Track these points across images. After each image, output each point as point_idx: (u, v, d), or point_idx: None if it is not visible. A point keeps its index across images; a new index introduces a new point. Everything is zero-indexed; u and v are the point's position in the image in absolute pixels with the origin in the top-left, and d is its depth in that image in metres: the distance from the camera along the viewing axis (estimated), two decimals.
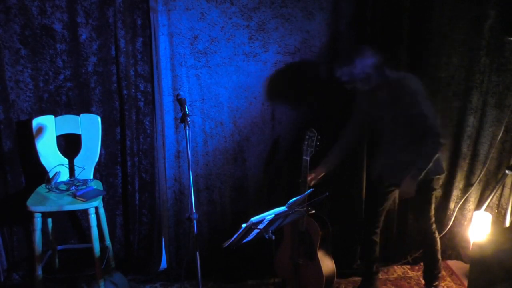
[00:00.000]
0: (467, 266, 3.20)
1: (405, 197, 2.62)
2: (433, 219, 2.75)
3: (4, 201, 2.86)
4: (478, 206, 3.23)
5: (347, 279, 3.10)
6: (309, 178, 2.72)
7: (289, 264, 2.85)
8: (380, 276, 3.08)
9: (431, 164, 2.47)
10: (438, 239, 2.80)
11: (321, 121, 2.92)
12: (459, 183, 3.23)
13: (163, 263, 3.17)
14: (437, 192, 3.08)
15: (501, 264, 2.17)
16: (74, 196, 2.60)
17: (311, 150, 2.66)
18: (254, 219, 2.04)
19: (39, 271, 2.64)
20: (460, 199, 3.26)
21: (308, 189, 2.55)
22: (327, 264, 2.78)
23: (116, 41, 2.74)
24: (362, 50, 2.46)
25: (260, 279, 3.10)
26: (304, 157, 2.67)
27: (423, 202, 2.70)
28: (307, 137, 2.67)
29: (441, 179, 2.76)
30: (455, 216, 3.28)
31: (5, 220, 2.93)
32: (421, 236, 2.90)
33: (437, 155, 2.51)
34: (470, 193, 3.23)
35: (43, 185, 2.74)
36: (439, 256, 2.82)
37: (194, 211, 2.23)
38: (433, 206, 2.73)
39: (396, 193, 2.75)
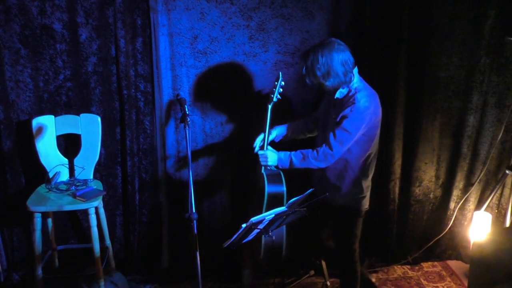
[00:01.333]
0: (467, 266, 3.20)
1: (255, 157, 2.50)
2: (358, 250, 2.56)
3: (4, 201, 2.86)
4: (478, 206, 3.23)
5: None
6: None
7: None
8: (380, 276, 3.08)
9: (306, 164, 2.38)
10: (359, 271, 2.60)
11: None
12: (459, 183, 3.23)
13: (163, 263, 3.17)
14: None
15: (501, 264, 2.17)
16: (74, 196, 2.60)
17: (272, 96, 2.51)
18: (254, 219, 2.04)
19: (39, 271, 2.64)
20: (460, 199, 3.26)
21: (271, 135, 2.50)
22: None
23: (116, 41, 2.74)
24: (333, 42, 2.29)
25: (260, 279, 3.10)
26: (268, 104, 2.53)
27: (348, 226, 2.54)
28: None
29: (367, 199, 2.54)
30: (455, 216, 3.28)
31: (5, 220, 2.93)
32: (340, 263, 2.66)
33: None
34: (470, 193, 3.23)
35: (43, 185, 2.74)
36: (358, 277, 2.62)
37: (194, 211, 2.23)
38: (359, 233, 2.53)
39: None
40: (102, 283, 2.72)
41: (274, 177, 2.51)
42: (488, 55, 2.98)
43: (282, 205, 2.32)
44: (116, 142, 2.94)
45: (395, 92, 2.96)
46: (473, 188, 3.22)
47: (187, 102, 2.68)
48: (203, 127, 2.98)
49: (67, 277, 2.94)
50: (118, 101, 2.87)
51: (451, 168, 3.21)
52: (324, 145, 2.35)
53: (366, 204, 2.54)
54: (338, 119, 2.31)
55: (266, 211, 2.46)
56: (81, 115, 2.77)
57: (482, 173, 3.17)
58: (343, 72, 2.28)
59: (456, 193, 3.26)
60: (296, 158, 2.39)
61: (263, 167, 2.51)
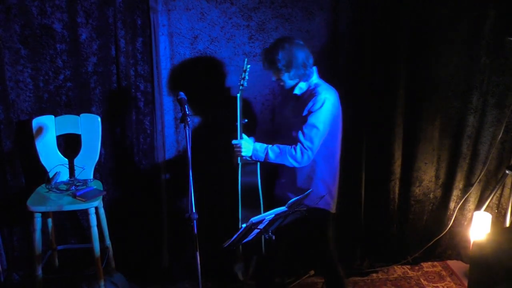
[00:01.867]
0: (467, 266, 3.20)
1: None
2: (334, 250, 2.55)
3: (4, 201, 2.86)
4: (478, 206, 3.23)
5: (347, 279, 3.10)
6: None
7: None
8: (380, 276, 3.08)
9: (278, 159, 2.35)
10: (340, 270, 2.56)
11: None
12: (459, 183, 3.23)
13: (163, 263, 3.17)
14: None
15: (501, 264, 2.17)
16: (74, 196, 2.60)
17: (239, 84, 2.51)
18: (254, 219, 2.04)
19: (39, 271, 2.64)
20: (460, 199, 3.26)
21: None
22: None
23: (116, 41, 2.74)
24: (292, 38, 2.35)
25: (260, 279, 3.09)
26: (237, 94, 2.53)
27: (318, 229, 2.54)
28: None
29: (334, 202, 2.54)
30: (455, 216, 3.28)
31: (5, 220, 2.93)
32: (321, 265, 2.69)
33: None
34: (470, 193, 3.23)
35: (43, 185, 2.74)
36: (343, 276, 2.61)
37: (194, 211, 2.23)
38: (331, 234, 2.53)
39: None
40: (102, 283, 2.71)
41: (248, 167, 2.51)
42: (488, 55, 2.98)
43: (257, 196, 2.30)
44: (116, 142, 2.94)
45: (395, 92, 2.96)
46: (473, 188, 3.22)
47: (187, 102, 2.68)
48: (203, 127, 2.98)
49: (67, 277, 2.95)
50: (118, 101, 2.87)
51: (451, 168, 3.21)
52: (298, 143, 2.34)
53: (333, 208, 2.53)
54: (304, 114, 2.32)
55: (242, 202, 2.49)
56: (81, 115, 2.77)
57: (482, 173, 3.17)
58: (303, 64, 2.32)
59: (456, 193, 3.26)
60: (272, 152, 2.38)
61: (239, 157, 2.50)
